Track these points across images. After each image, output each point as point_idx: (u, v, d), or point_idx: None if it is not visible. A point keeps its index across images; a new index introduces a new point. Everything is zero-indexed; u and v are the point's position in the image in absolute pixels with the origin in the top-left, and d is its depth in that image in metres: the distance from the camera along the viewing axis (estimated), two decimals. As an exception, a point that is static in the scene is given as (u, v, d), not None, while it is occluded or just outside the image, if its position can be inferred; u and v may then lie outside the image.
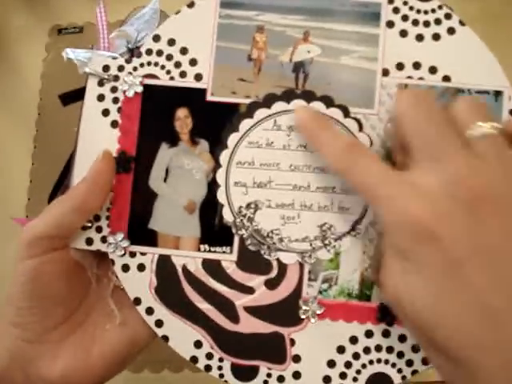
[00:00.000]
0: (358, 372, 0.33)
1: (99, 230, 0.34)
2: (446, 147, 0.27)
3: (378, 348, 0.32)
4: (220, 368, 0.33)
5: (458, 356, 0.25)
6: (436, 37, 0.34)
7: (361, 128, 0.33)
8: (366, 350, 0.33)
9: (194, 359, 0.33)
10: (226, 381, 0.33)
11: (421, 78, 0.33)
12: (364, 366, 0.33)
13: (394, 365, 0.32)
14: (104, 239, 0.34)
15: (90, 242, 0.34)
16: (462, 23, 0.34)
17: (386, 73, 0.34)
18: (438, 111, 0.28)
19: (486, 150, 0.27)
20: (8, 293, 0.32)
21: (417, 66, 0.33)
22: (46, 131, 0.55)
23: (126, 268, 0.34)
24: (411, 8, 0.34)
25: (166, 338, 0.33)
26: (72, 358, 0.32)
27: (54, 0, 0.55)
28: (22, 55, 0.55)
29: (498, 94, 0.33)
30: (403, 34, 0.34)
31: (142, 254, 0.34)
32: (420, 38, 0.34)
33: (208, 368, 0.33)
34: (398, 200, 0.26)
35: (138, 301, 0.33)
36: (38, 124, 0.55)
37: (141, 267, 0.34)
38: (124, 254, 0.34)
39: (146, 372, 0.47)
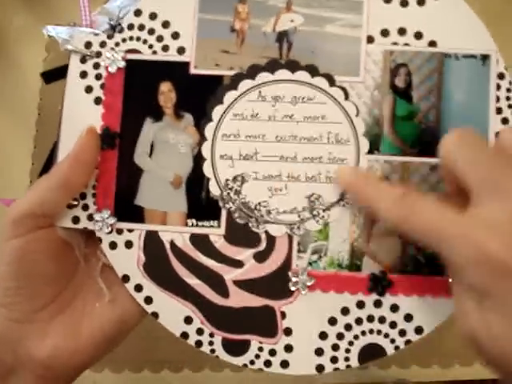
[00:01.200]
0: (351, 343, 0.32)
1: (85, 208, 0.34)
2: (506, 180, 0.25)
3: (370, 318, 0.32)
4: (211, 343, 0.33)
5: None
6: (421, 2, 0.33)
7: (347, 96, 0.33)
8: (358, 321, 0.32)
9: (185, 335, 0.33)
10: (217, 356, 0.33)
11: (406, 44, 0.33)
12: (356, 337, 0.32)
13: (386, 335, 0.32)
14: (90, 217, 0.33)
15: (76, 220, 0.33)
16: (446, -13, 0.33)
17: (370, 40, 0.33)
18: (487, 146, 0.27)
19: None
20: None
21: (402, 31, 0.33)
22: (46, 131, 0.55)
23: (113, 245, 0.33)
24: (395, -27, 0.33)
25: (155, 315, 0.33)
26: (61, 336, 0.32)
27: (54, 0, 0.55)
28: (22, 55, 0.54)
29: (485, 57, 0.33)
30: (387, 0, 0.33)
31: (129, 230, 0.33)
32: (404, 3, 0.33)
33: (199, 344, 0.33)
34: (471, 237, 0.25)
35: (126, 278, 0.33)
36: (38, 124, 0.54)
37: (128, 244, 0.33)
38: (111, 232, 0.33)
39: (146, 372, 0.47)
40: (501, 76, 0.33)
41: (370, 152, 0.33)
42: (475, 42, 0.33)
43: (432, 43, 0.33)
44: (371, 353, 0.32)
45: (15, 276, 0.31)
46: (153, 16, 0.34)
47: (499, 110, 0.32)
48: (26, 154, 0.53)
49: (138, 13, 0.34)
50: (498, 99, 0.32)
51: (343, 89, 0.33)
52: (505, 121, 0.32)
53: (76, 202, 0.33)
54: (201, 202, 0.33)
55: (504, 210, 0.25)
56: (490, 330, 0.25)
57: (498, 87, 0.32)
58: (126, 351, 0.46)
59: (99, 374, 0.47)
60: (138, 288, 0.33)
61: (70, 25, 0.35)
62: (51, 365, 0.32)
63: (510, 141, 0.27)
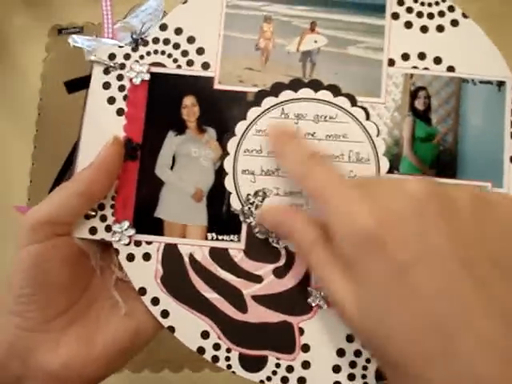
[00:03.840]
0: (368, 361, 0.32)
1: (104, 218, 0.33)
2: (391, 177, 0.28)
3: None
4: (228, 359, 0.32)
5: (408, 371, 0.23)
6: (440, 28, 0.34)
7: (368, 117, 0.34)
8: (376, 339, 0.32)
9: (201, 350, 0.32)
10: (233, 372, 0.32)
11: (426, 68, 0.34)
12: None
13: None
14: (108, 228, 0.33)
15: (93, 231, 0.33)
16: (464, 16, 0.34)
17: (391, 63, 0.34)
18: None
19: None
20: (8, 282, 0.31)
21: (422, 56, 0.34)
22: (46, 131, 0.55)
23: (131, 257, 0.33)
24: (415, 0, 0.34)
25: (172, 329, 0.33)
26: (74, 348, 0.31)
27: (54, 0, 0.55)
28: (22, 55, 0.54)
29: (500, 84, 0.34)
30: (408, 25, 0.34)
31: (148, 242, 0.33)
32: (424, 29, 0.34)
33: (215, 359, 0.32)
34: (346, 204, 0.26)
35: (143, 291, 0.33)
36: (38, 124, 0.54)
37: (146, 256, 0.33)
38: (129, 243, 0.33)
39: (146, 372, 0.46)
40: (515, 102, 0.34)
41: (390, 171, 0.33)
42: (491, 68, 0.34)
43: (450, 68, 0.34)
44: (388, 371, 0.32)
45: (30, 283, 0.30)
46: (178, 31, 0.35)
47: (514, 135, 0.33)
48: (26, 154, 0.52)
49: (163, 27, 0.35)
50: (512, 124, 0.34)
51: (364, 109, 0.34)
52: (519, 145, 0.33)
53: (94, 213, 0.33)
54: (221, 216, 0.33)
55: (382, 189, 0.26)
56: (358, 305, 0.25)
57: (513, 113, 0.34)
58: None
59: None
60: (155, 301, 0.33)
61: (94, 36, 0.35)
62: (62, 377, 0.31)
63: None
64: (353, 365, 0.32)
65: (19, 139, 0.54)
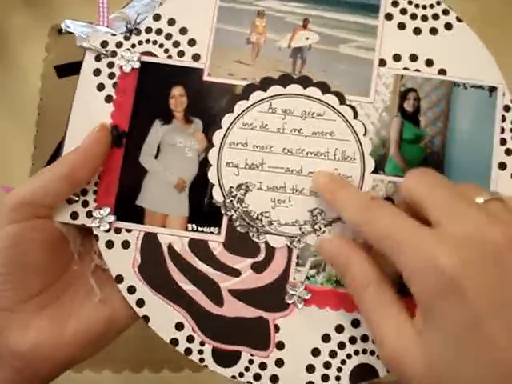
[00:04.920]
0: (343, 362, 0.32)
1: (85, 204, 0.33)
2: (464, 204, 0.26)
3: (364, 338, 0.32)
4: (201, 352, 0.32)
5: None
6: (433, 31, 0.34)
7: (356, 115, 0.33)
8: (352, 340, 0.32)
9: (175, 341, 0.32)
10: (206, 365, 0.32)
11: (417, 70, 0.34)
12: (349, 356, 0.32)
13: (379, 356, 0.31)
14: (89, 214, 0.33)
15: (75, 216, 0.33)
16: (459, 19, 0.34)
17: (382, 63, 0.34)
18: (443, 179, 0.28)
19: (497, 209, 0.26)
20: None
21: (413, 58, 0.34)
22: (46, 131, 0.55)
23: (110, 244, 0.33)
24: (410, 2, 0.34)
25: (146, 319, 0.32)
26: (45, 330, 0.31)
27: (54, 0, 0.56)
28: (22, 55, 0.55)
29: (492, 89, 0.33)
30: (401, 26, 0.34)
31: (128, 230, 0.33)
32: (418, 31, 0.34)
33: (188, 351, 0.32)
34: (423, 247, 0.25)
35: (120, 278, 0.33)
36: (38, 124, 0.54)
37: (125, 244, 0.33)
38: (109, 230, 0.33)
39: (146, 372, 0.46)
40: (506, 108, 0.33)
41: (375, 172, 0.33)
42: (484, 73, 0.33)
43: (442, 71, 0.34)
44: (363, 373, 0.31)
45: (7, 262, 0.30)
46: (171, 22, 0.35)
47: (503, 141, 0.33)
48: (26, 154, 0.52)
49: (157, 17, 0.35)
50: (502, 130, 0.33)
51: (353, 108, 0.33)
52: (508, 152, 0.33)
53: (76, 198, 0.33)
54: (203, 208, 0.33)
55: (462, 230, 0.25)
56: (426, 351, 0.24)
57: (504, 119, 0.33)
58: (126, 351, 0.45)
59: (99, 374, 0.46)
60: (131, 290, 0.32)
61: (88, 23, 0.35)
62: (31, 359, 0.30)
63: (467, 187, 0.28)
64: (327, 365, 0.32)
65: (19, 139, 0.54)
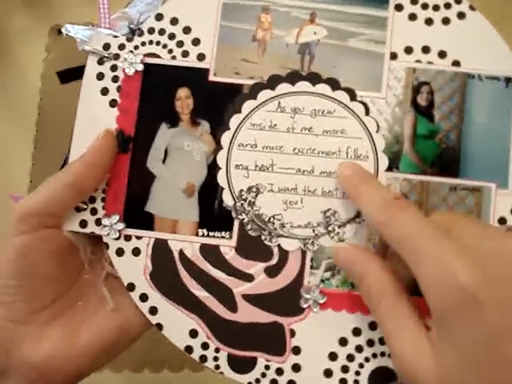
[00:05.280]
0: (361, 366, 0.31)
1: (94, 212, 0.33)
2: (491, 228, 0.26)
3: (382, 341, 0.31)
4: (216, 359, 0.31)
5: None
6: (446, 21, 0.33)
7: (367, 112, 0.32)
8: (370, 343, 0.31)
9: (189, 349, 0.32)
10: (221, 372, 0.31)
11: (430, 63, 0.33)
12: (367, 359, 0.31)
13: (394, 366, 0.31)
14: (99, 222, 0.32)
15: (83, 224, 0.32)
16: (472, 8, 0.33)
17: (394, 56, 0.33)
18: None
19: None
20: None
21: (426, 50, 0.33)
22: (46, 131, 0.54)
23: (120, 252, 0.32)
24: (420, -9, 0.33)
25: (159, 326, 0.32)
26: (58, 341, 0.31)
27: (54, 0, 0.55)
28: (22, 55, 0.54)
29: (508, 80, 0.32)
30: (412, 17, 0.33)
31: (138, 237, 0.32)
32: (429, 21, 0.33)
33: (203, 359, 0.32)
34: (443, 260, 0.24)
35: (131, 286, 0.32)
36: (38, 124, 0.54)
37: (136, 251, 0.32)
38: (119, 238, 0.32)
39: (146, 372, 0.46)
40: (524, 99, 0.32)
41: (389, 169, 0.32)
42: (499, 63, 0.32)
43: (456, 63, 0.32)
44: (381, 376, 0.31)
45: (16, 274, 0.30)
46: (174, 21, 0.34)
47: (521, 134, 0.32)
48: (26, 154, 0.52)
49: (159, 17, 0.34)
50: (520, 122, 0.32)
51: (364, 104, 0.32)
52: (527, 145, 0.32)
53: (85, 206, 0.33)
54: (213, 212, 0.32)
55: (485, 245, 0.24)
56: (440, 365, 0.24)
57: (521, 110, 0.32)
58: (126, 351, 0.45)
59: (99, 373, 0.45)
60: (143, 297, 0.32)
61: (88, 25, 0.34)
62: (45, 370, 0.30)
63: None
64: (345, 369, 0.31)
65: (19, 139, 0.54)
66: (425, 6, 0.33)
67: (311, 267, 0.32)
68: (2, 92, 0.54)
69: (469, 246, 0.24)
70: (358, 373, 0.31)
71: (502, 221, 0.31)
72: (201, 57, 0.33)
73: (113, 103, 0.33)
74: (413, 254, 0.25)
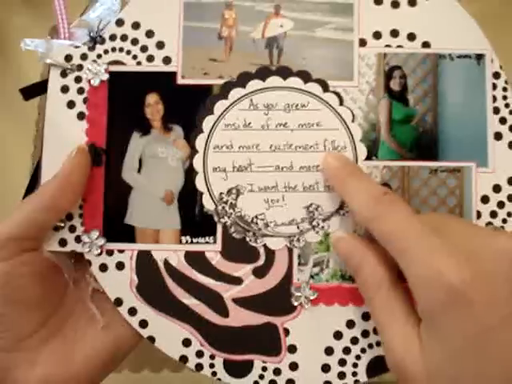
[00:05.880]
0: (358, 357, 0.31)
1: (73, 229, 0.32)
2: (478, 227, 0.26)
3: (377, 331, 0.31)
4: (212, 366, 0.31)
5: None
6: (412, 2, 0.32)
7: (341, 102, 0.32)
8: (365, 334, 0.31)
9: (184, 359, 0.31)
10: (219, 379, 0.31)
11: (400, 46, 0.32)
12: (363, 350, 0.31)
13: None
14: (78, 239, 0.32)
15: (63, 243, 0.32)
16: (437, -13, 0.32)
17: (363, 43, 0.32)
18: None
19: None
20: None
21: (394, 33, 0.32)
22: None
23: (103, 268, 0.32)
24: (384, -26, 0.32)
25: (152, 339, 0.31)
26: (52, 364, 0.30)
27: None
28: (22, 55, 0.53)
29: (479, 57, 0.32)
30: (378, 1, 0.32)
31: (120, 251, 0.32)
32: (395, 4, 0.32)
33: (199, 367, 0.31)
34: (432, 258, 0.24)
35: (119, 301, 0.31)
36: (38, 124, 0.53)
37: (120, 265, 0.32)
38: (101, 253, 0.32)
39: (146, 372, 0.45)
40: (496, 75, 0.32)
41: (368, 158, 0.32)
42: (469, 41, 0.32)
43: (425, 44, 0.32)
44: (379, 366, 0.31)
45: (0, 302, 0.29)
46: (135, 25, 0.33)
47: (496, 110, 0.32)
48: (26, 154, 0.51)
49: (119, 23, 0.33)
50: (494, 99, 0.32)
51: (337, 94, 0.32)
52: (503, 120, 0.32)
53: (62, 224, 0.32)
54: (195, 218, 0.32)
55: (473, 245, 0.24)
56: (429, 362, 0.24)
57: (494, 87, 0.32)
58: None
59: None
60: (132, 311, 0.31)
61: (48, 38, 0.33)
62: None
63: None
64: (342, 363, 0.31)
65: (19, 139, 0.53)
66: (390, -11, 0.32)
67: (299, 264, 0.31)
68: (2, 92, 0.53)
69: (457, 244, 0.24)
70: (355, 365, 0.31)
71: (485, 199, 0.31)
72: (167, 60, 0.32)
73: (81, 116, 0.32)
74: (401, 251, 0.25)
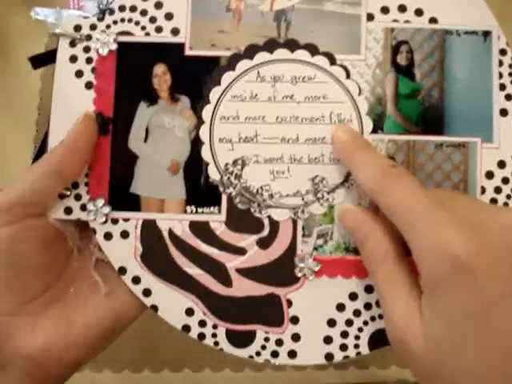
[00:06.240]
0: (360, 330, 0.31)
1: (78, 197, 0.32)
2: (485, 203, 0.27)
3: (379, 303, 0.31)
4: (214, 335, 0.31)
5: None
6: (420, -22, 0.32)
7: (348, 75, 0.32)
8: (367, 306, 0.31)
9: (187, 328, 0.31)
10: (221, 349, 0.31)
11: (407, 21, 0.32)
12: (366, 323, 0.31)
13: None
14: (84, 207, 0.32)
15: (68, 211, 0.32)
16: (445, -37, 0.33)
17: (370, 17, 0.32)
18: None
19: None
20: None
21: (402, 8, 0.32)
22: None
23: (108, 236, 0.32)
24: (393, -50, 0.33)
25: (155, 308, 0.31)
26: (53, 330, 0.30)
27: (54, 0, 0.54)
28: (22, 55, 0.53)
29: (486, 34, 0.32)
30: (386, -24, 0.32)
31: (125, 220, 0.32)
32: (404, -21, 0.32)
33: (201, 336, 0.31)
34: (437, 230, 0.24)
35: (123, 270, 0.31)
36: (38, 124, 0.53)
37: (124, 234, 0.32)
38: (106, 222, 0.32)
39: (146, 372, 0.45)
40: (503, 52, 0.32)
41: (374, 131, 0.32)
42: (476, 18, 0.32)
43: (433, 20, 0.32)
44: (381, 339, 0.31)
45: (4, 266, 0.29)
46: (145, -3, 0.33)
47: (502, 87, 0.32)
48: (26, 154, 0.51)
49: (129, -6, 0.33)
50: (500, 75, 0.32)
51: (344, 67, 0.32)
52: (508, 97, 0.32)
53: (68, 192, 0.32)
54: (200, 188, 0.32)
55: (480, 219, 0.24)
56: (430, 334, 0.24)
57: (501, 63, 0.32)
58: (126, 351, 0.45)
59: (99, 374, 0.45)
60: (136, 280, 0.31)
61: (57, 8, 0.33)
62: (41, 361, 0.30)
63: None
64: (345, 335, 0.31)
65: (19, 139, 0.53)
66: (398, -35, 0.32)
67: (303, 235, 0.31)
68: (2, 92, 0.53)
69: (463, 218, 0.24)
70: (357, 337, 0.31)
71: (490, 175, 0.31)
72: (175, 31, 0.32)
73: (88, 85, 0.32)
74: (407, 223, 0.25)
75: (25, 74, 0.53)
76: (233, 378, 0.45)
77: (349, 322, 0.31)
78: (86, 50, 0.33)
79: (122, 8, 0.33)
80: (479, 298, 0.23)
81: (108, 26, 0.33)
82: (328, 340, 0.31)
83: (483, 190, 0.31)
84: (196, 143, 0.32)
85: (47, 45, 0.51)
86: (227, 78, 0.32)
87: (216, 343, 0.31)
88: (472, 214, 0.25)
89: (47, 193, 0.30)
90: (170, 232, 0.32)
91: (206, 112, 0.32)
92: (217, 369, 0.45)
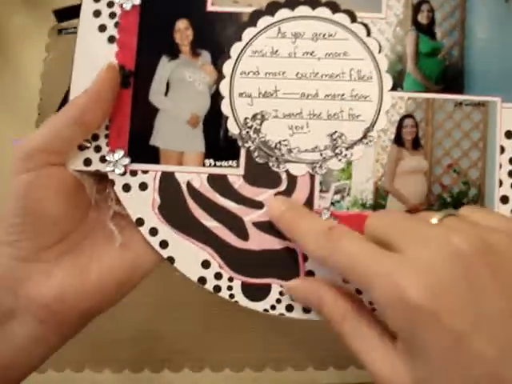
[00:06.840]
0: (376, 285, 0.31)
1: (98, 149, 0.32)
2: (426, 228, 0.25)
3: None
4: (230, 288, 0.31)
5: None
6: None
7: (369, 33, 0.32)
8: (384, 262, 0.31)
9: (202, 280, 0.31)
10: (236, 301, 0.31)
11: (428, -20, 0.32)
12: (382, 278, 0.31)
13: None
14: (103, 159, 0.32)
15: (88, 162, 0.32)
16: None
17: (392, -24, 0.32)
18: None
19: (454, 223, 0.25)
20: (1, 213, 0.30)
21: (424, -32, 0.32)
22: None
23: (126, 188, 0.32)
24: None
25: (171, 260, 0.31)
26: (67, 278, 0.30)
27: (54, 0, 0.54)
28: (22, 55, 0.54)
29: (508, -6, 0.32)
30: None
31: (144, 172, 0.32)
32: None
33: (217, 289, 0.31)
34: (393, 277, 0.23)
35: (140, 221, 0.32)
36: (38, 124, 0.54)
37: (143, 186, 0.32)
38: (124, 173, 0.32)
39: (146, 372, 0.45)
40: (524, 13, 0.32)
41: (394, 89, 0.32)
42: (498, -22, 0.32)
43: (455, -22, 0.32)
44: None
45: (22, 212, 0.29)
46: (168, -47, 0.33)
47: (523, 47, 0.32)
48: None
49: (153, -50, 0.33)
50: (521, 35, 0.32)
51: (365, 25, 0.32)
52: (529, 57, 0.32)
53: (88, 144, 0.32)
54: (219, 142, 0.32)
55: (426, 255, 0.24)
56: (416, 380, 0.23)
57: (522, 24, 0.32)
58: (126, 351, 0.45)
59: (99, 374, 0.45)
60: (153, 232, 0.32)
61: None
62: (55, 308, 0.30)
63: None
64: (358, 291, 0.31)
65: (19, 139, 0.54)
66: None
67: (320, 191, 0.31)
68: (2, 92, 0.54)
69: (412, 258, 0.24)
70: (373, 292, 0.31)
71: (509, 134, 0.31)
72: (198, -13, 0.33)
73: (111, 39, 0.33)
74: (360, 281, 0.25)
75: (25, 74, 0.53)
76: (233, 377, 0.45)
77: (365, 278, 0.31)
78: (110, 4, 0.33)
79: (145, -35, 0.33)
80: (451, 335, 0.22)
81: (132, -18, 0.33)
82: (343, 295, 0.31)
83: (502, 150, 0.31)
84: (216, 97, 0.32)
85: (48, 45, 0.52)
86: (248, 33, 0.32)
87: (231, 296, 0.31)
88: (414, 247, 0.24)
89: (69, 142, 0.31)
90: (189, 184, 0.32)
91: (227, 67, 0.32)
92: (217, 369, 0.45)
